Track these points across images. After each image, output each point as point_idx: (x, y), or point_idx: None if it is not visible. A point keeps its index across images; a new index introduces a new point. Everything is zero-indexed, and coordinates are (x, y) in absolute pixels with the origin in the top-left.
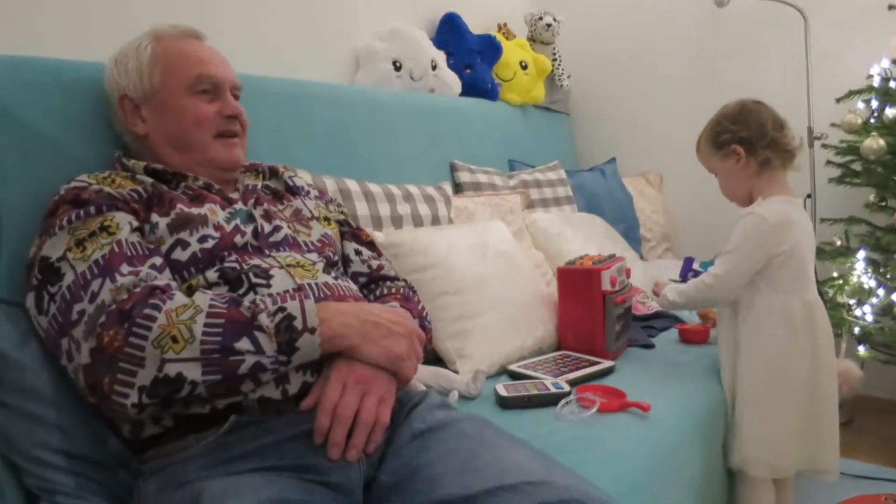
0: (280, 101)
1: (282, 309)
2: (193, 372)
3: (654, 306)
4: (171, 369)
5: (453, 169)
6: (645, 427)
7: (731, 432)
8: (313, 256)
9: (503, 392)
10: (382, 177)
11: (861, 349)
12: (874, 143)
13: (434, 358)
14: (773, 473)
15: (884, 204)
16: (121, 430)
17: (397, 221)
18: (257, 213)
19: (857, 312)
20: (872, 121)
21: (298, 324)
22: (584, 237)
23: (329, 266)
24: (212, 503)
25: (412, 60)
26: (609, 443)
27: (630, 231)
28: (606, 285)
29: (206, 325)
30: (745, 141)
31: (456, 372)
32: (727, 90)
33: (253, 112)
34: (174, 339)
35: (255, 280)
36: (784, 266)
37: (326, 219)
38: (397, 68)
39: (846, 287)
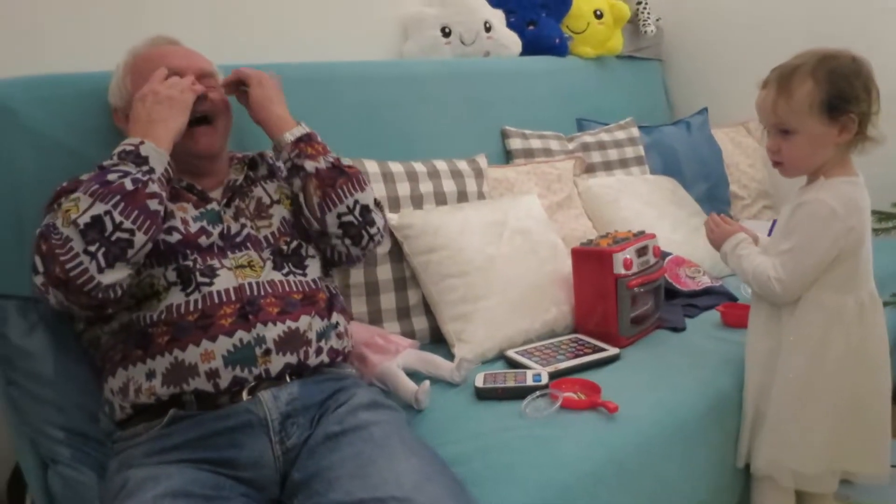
0: (302, 86)
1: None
2: (97, 207)
3: (704, 282)
4: (83, 219)
5: (504, 136)
6: (606, 429)
7: (754, 433)
8: (267, 253)
9: (479, 383)
10: (422, 153)
11: None
12: None
13: (439, 339)
14: (797, 482)
15: None
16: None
17: (417, 201)
18: (228, 213)
19: None
20: None
21: (130, 145)
22: (642, 203)
23: (282, 259)
24: (132, 487)
25: (461, 24)
26: (557, 445)
27: (715, 190)
28: (619, 268)
29: (81, 189)
30: (864, 115)
31: (453, 356)
32: (841, 25)
33: None
34: (71, 208)
35: (200, 279)
36: (845, 261)
37: (288, 196)
38: (446, 34)
39: None
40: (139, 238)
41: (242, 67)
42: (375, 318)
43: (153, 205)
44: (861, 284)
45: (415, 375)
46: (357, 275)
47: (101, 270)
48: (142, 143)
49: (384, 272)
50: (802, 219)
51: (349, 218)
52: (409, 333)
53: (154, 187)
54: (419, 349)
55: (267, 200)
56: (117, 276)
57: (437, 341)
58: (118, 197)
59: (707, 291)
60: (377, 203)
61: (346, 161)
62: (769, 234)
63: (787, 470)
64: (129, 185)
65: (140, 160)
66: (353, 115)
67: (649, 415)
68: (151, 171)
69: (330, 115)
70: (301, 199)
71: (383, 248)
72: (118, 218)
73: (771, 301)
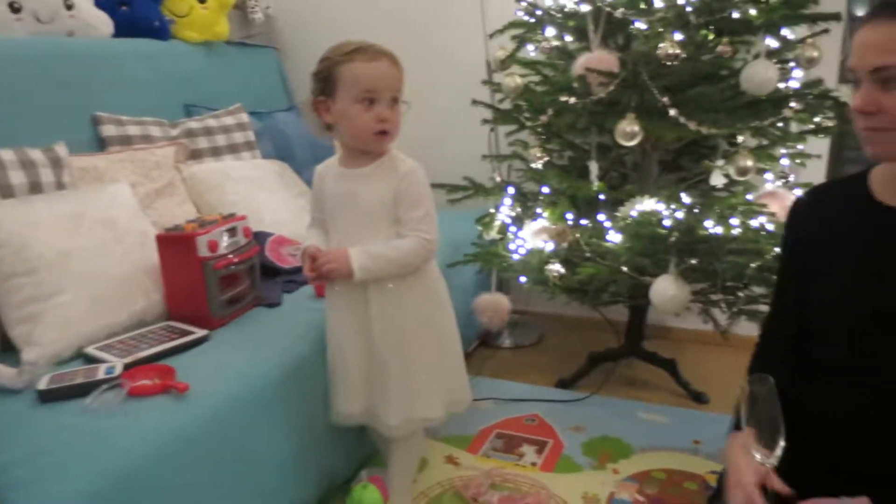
0: None
1: None
2: None
3: None
4: None
5: (96, 122)
6: (175, 409)
7: (379, 395)
8: None
9: (43, 385)
10: None
11: (522, 279)
12: (512, 80)
13: (8, 347)
14: (425, 424)
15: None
16: None
17: None
18: None
19: (512, 247)
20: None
21: None
22: (250, 187)
23: None
24: None
25: (36, 0)
26: (118, 434)
27: None
28: (204, 251)
29: None
30: None
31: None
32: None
33: None
34: None
35: None
36: None
37: None
38: (15, 10)
39: (495, 223)
40: None
41: None
42: None
43: None
44: None
45: None
46: None
47: None
48: None
49: None
50: (418, 186)
51: None
52: None
53: None
54: None
55: None
56: None
57: (7, 350)
58: None
59: None
60: None
61: None
62: None
63: (418, 420)
64: None
65: None
66: None
67: (222, 389)
68: None
69: None
70: None
71: None
72: None
73: (426, 263)
